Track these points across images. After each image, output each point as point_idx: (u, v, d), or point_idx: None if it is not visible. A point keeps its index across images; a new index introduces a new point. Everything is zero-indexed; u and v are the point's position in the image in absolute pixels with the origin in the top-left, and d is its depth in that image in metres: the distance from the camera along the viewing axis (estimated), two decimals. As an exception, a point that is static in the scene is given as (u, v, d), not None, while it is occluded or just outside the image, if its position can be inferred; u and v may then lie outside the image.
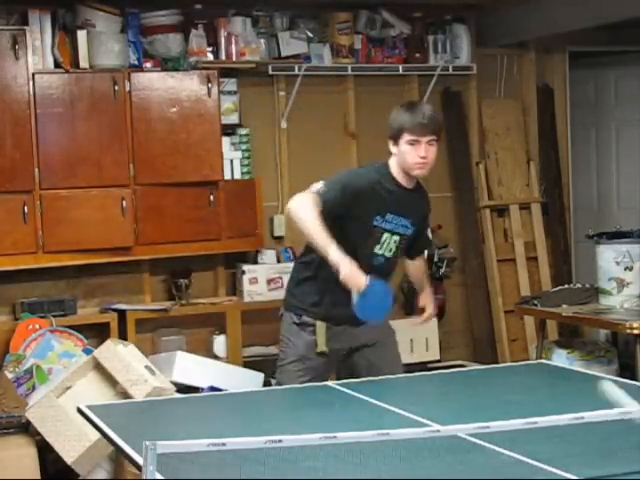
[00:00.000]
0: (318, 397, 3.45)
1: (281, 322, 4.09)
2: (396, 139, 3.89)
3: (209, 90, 5.88)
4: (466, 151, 7.01)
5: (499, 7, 6.74)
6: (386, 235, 3.93)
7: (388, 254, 3.97)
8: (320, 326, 3.94)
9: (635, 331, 5.02)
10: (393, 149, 3.93)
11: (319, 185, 3.80)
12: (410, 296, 6.72)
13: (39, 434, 4.57)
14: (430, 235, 4.32)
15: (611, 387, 2.90)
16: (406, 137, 3.85)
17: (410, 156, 3.86)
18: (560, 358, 5.67)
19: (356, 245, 3.82)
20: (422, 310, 4.20)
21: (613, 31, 6.74)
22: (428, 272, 4.62)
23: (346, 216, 3.82)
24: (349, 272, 3.56)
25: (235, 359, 5.95)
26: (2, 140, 5.48)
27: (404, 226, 3.98)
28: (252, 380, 5.55)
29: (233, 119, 6.20)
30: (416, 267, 4.34)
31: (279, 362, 4.03)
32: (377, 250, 3.93)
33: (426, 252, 4.47)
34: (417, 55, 6.65)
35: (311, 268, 3.97)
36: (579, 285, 5.86)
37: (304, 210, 3.68)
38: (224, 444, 2.24)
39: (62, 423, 4.48)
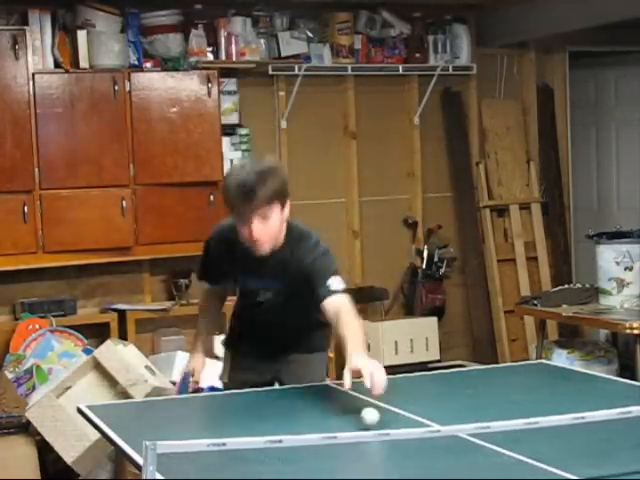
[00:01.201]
0: (318, 397, 3.45)
1: None
2: (230, 211, 3.31)
3: (209, 90, 5.88)
4: (466, 151, 7.01)
5: (499, 7, 6.75)
6: (260, 291, 3.50)
7: (268, 297, 3.49)
8: (225, 355, 3.75)
9: (635, 331, 5.02)
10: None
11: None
12: (410, 296, 6.73)
13: (39, 434, 4.57)
14: (335, 283, 3.29)
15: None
16: (234, 212, 3.26)
17: (243, 235, 3.26)
18: (560, 358, 5.67)
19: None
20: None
21: (613, 31, 6.74)
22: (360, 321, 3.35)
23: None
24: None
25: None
26: (2, 140, 5.48)
27: (269, 282, 3.45)
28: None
29: (233, 119, 6.21)
30: (334, 313, 3.26)
31: None
32: (259, 299, 3.52)
33: (337, 295, 3.29)
34: (417, 55, 6.65)
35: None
36: (579, 285, 5.86)
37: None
38: (224, 444, 2.23)
39: (62, 423, 4.48)
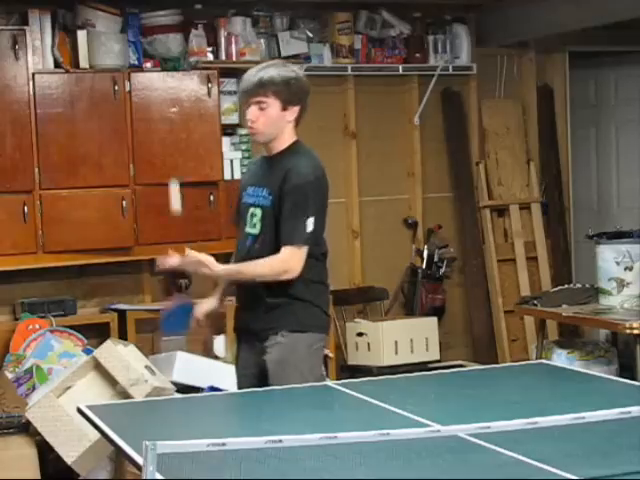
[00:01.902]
0: (318, 397, 3.45)
1: None
2: None
3: (209, 90, 5.88)
4: (466, 151, 7.01)
5: (499, 7, 6.75)
6: (251, 210, 3.63)
7: (254, 231, 3.61)
8: (231, 337, 3.80)
9: (635, 331, 5.02)
10: None
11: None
12: (410, 296, 6.73)
13: (39, 434, 4.57)
14: (308, 226, 3.49)
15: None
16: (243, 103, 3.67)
17: (245, 125, 3.68)
18: (560, 358, 5.66)
19: (241, 231, 3.69)
20: None
21: (613, 31, 6.74)
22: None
23: None
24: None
25: (235, 359, 5.94)
26: (2, 140, 5.48)
27: (261, 197, 3.62)
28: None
29: (233, 119, 6.20)
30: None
31: None
32: (248, 229, 3.64)
33: (289, 248, 3.51)
34: (417, 55, 6.65)
35: None
36: (579, 285, 5.86)
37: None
38: (224, 444, 2.23)
39: (62, 423, 4.48)
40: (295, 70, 3.65)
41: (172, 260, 3.61)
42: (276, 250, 3.53)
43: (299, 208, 3.50)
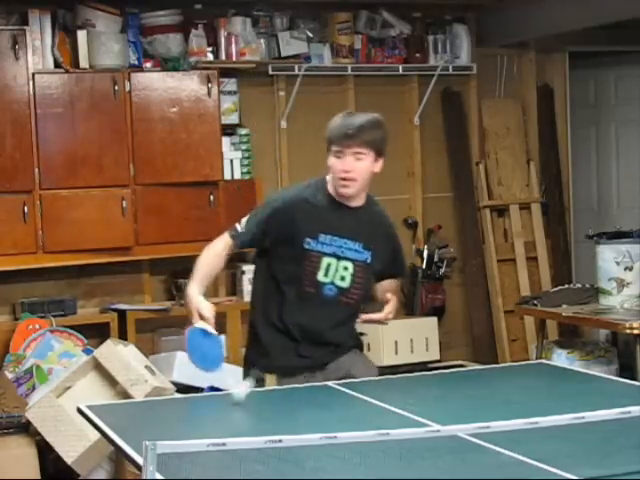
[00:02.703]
0: (318, 397, 3.45)
1: None
2: (328, 150, 3.49)
3: (209, 90, 5.88)
4: (466, 151, 7.02)
5: (499, 7, 6.75)
6: (327, 260, 3.49)
7: (340, 283, 3.51)
8: (270, 380, 3.55)
9: (635, 331, 5.02)
10: (328, 161, 3.52)
11: (238, 225, 3.56)
12: (410, 296, 6.74)
13: (39, 434, 4.57)
14: (405, 262, 3.85)
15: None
16: (333, 148, 3.45)
17: (335, 170, 3.45)
18: (560, 358, 5.67)
19: (294, 273, 3.49)
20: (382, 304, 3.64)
21: (613, 31, 6.74)
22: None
23: (275, 243, 3.52)
24: (190, 305, 3.38)
25: (235, 359, 5.95)
26: (2, 140, 5.48)
27: (352, 250, 3.52)
28: (252, 380, 5.55)
29: (233, 119, 6.21)
30: (386, 282, 3.72)
31: None
32: (322, 278, 3.50)
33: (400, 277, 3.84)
34: (417, 55, 6.65)
35: (257, 305, 3.64)
36: (579, 285, 5.86)
37: (202, 256, 3.54)
38: (224, 444, 2.23)
39: (62, 423, 4.48)
40: (380, 117, 3.56)
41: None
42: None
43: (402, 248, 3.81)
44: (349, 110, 3.74)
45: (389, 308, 3.60)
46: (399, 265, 3.79)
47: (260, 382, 3.52)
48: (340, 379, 3.56)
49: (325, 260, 3.49)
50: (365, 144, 3.42)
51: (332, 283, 3.51)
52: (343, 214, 3.53)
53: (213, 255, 3.58)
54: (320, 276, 3.50)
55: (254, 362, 3.63)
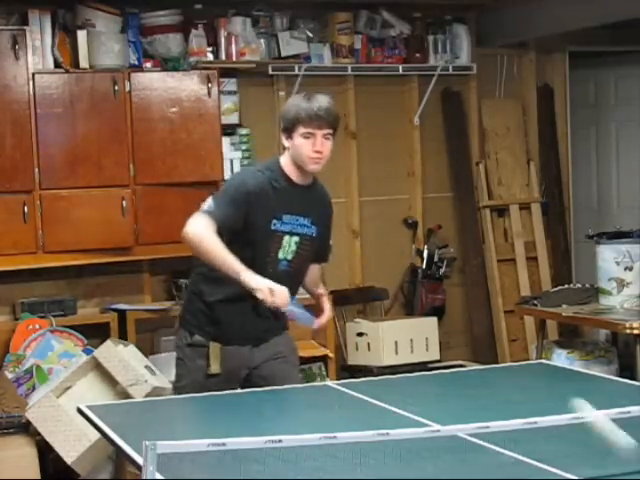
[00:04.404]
0: (318, 397, 3.45)
1: (175, 338, 3.86)
2: (290, 132, 3.64)
3: (209, 90, 5.88)
4: (466, 151, 7.02)
5: (499, 7, 6.75)
6: (286, 238, 3.67)
7: (290, 257, 3.69)
8: (214, 347, 3.69)
9: (635, 331, 5.02)
10: (286, 143, 3.67)
11: (208, 205, 3.62)
12: (410, 296, 6.74)
13: (39, 434, 4.57)
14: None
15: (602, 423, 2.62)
16: (301, 130, 3.60)
17: (305, 150, 3.61)
18: (560, 358, 5.67)
19: (258, 253, 3.62)
20: (321, 312, 3.80)
21: (613, 31, 6.75)
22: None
23: (244, 226, 3.61)
24: (272, 293, 3.44)
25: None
26: (2, 140, 5.48)
27: (303, 225, 3.72)
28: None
29: (233, 119, 6.20)
30: (312, 269, 3.89)
31: (175, 383, 3.83)
32: (280, 256, 3.68)
33: (330, 257, 4.00)
34: (417, 55, 6.65)
35: (208, 282, 3.72)
36: (579, 285, 5.86)
37: (204, 236, 3.52)
38: (224, 444, 2.23)
39: (62, 423, 4.49)
40: None
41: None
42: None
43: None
44: (304, 92, 3.84)
45: (327, 311, 3.80)
46: (327, 243, 3.95)
47: (203, 349, 3.68)
48: (271, 357, 3.76)
49: (285, 238, 3.68)
50: (333, 125, 3.64)
51: (285, 259, 3.69)
52: (298, 193, 3.71)
53: (212, 236, 3.54)
54: (280, 253, 3.67)
55: (199, 328, 3.73)
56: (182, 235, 3.60)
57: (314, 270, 3.90)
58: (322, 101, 3.65)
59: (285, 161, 3.69)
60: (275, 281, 3.51)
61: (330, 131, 3.64)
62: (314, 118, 3.59)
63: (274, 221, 3.64)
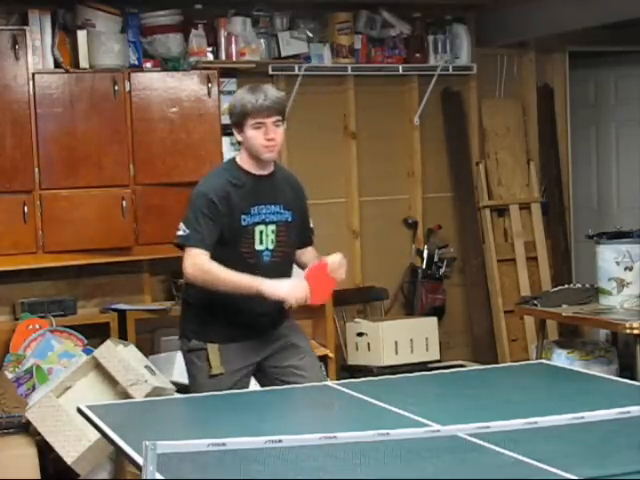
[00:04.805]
0: (318, 397, 3.45)
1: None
2: (240, 126, 3.75)
3: (209, 90, 5.88)
4: (466, 151, 7.02)
5: (499, 7, 6.75)
6: (259, 228, 3.74)
7: (272, 246, 3.77)
8: (212, 348, 3.75)
9: (635, 331, 5.02)
10: (239, 137, 3.78)
11: (183, 231, 3.69)
12: (410, 296, 6.74)
13: (39, 434, 4.57)
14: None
15: None
16: (250, 121, 3.70)
17: (257, 140, 3.70)
18: (560, 358, 5.67)
19: (235, 251, 3.70)
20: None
21: (614, 31, 6.74)
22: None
23: (222, 231, 3.71)
24: (292, 294, 3.56)
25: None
26: (2, 140, 5.48)
27: (276, 213, 3.79)
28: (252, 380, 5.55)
29: (233, 119, 6.19)
30: (307, 254, 3.97)
31: (190, 388, 3.90)
32: (259, 247, 3.75)
33: (313, 239, 4.08)
34: (417, 55, 6.65)
35: (197, 286, 3.74)
36: (579, 285, 5.86)
37: (204, 271, 3.62)
38: (224, 444, 2.24)
39: (62, 423, 4.48)
40: None
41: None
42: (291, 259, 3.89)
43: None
44: (249, 85, 3.88)
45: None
46: (307, 224, 4.01)
47: (202, 351, 3.75)
48: (281, 348, 3.84)
49: (257, 229, 3.73)
50: (281, 112, 3.74)
51: (267, 249, 3.77)
52: (262, 183, 3.78)
53: (214, 267, 3.65)
54: (257, 245, 3.74)
55: (195, 332, 3.81)
56: (184, 278, 3.75)
57: (309, 254, 3.96)
58: (267, 90, 3.73)
59: (241, 157, 3.80)
60: (263, 273, 3.61)
61: (279, 117, 3.72)
62: (261, 108, 3.67)
63: (243, 217, 3.71)
